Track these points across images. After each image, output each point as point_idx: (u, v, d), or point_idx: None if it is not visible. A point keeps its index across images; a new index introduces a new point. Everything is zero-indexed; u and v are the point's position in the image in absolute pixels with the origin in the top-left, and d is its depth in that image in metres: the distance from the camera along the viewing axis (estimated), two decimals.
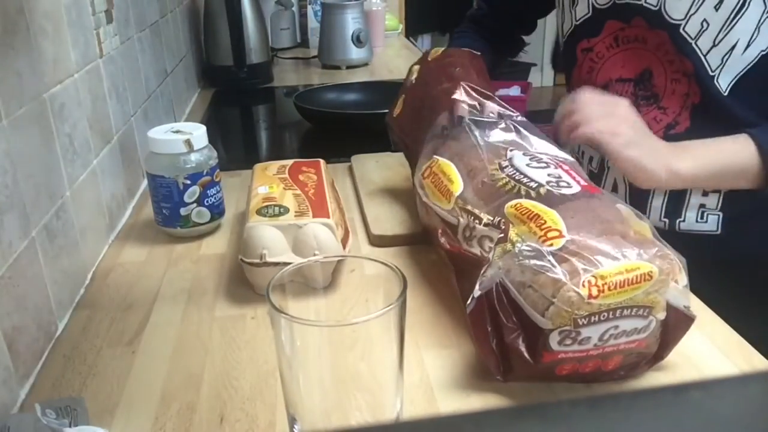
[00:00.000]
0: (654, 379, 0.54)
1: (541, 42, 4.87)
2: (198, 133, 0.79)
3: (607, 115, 0.70)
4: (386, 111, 1.19)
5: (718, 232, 0.79)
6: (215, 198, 0.81)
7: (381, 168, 0.99)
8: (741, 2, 0.70)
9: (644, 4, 0.76)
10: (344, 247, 0.69)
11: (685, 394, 0.22)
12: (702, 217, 0.80)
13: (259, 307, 0.67)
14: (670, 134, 0.79)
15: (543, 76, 4.95)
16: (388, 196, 0.89)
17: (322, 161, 0.85)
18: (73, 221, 0.70)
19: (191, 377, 0.57)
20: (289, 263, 0.66)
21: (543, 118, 1.11)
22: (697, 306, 0.65)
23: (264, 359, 0.59)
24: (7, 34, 0.58)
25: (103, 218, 0.80)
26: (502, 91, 3.63)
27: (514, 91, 4.00)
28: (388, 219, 0.82)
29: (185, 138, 0.77)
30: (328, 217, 0.68)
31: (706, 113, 0.77)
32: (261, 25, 1.65)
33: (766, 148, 0.69)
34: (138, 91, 1.01)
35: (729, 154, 0.71)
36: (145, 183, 0.97)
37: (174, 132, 0.79)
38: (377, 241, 0.79)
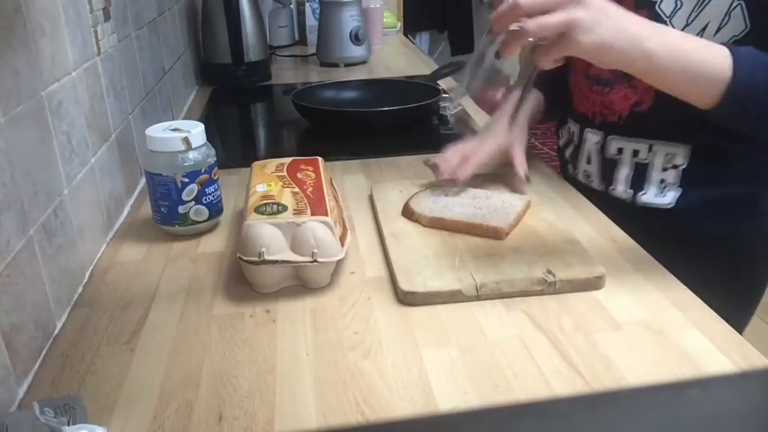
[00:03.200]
0: (652, 377, 0.54)
1: None
2: (196, 131, 0.79)
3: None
4: (384, 109, 1.19)
5: (672, 205, 0.82)
6: (213, 196, 0.81)
7: (406, 199, 0.84)
8: None
9: None
10: (342, 245, 0.69)
11: (684, 391, 0.22)
12: (662, 192, 0.82)
13: (258, 305, 0.67)
14: (635, 111, 0.82)
15: None
16: (419, 237, 0.76)
17: (320, 159, 0.85)
18: (71, 219, 0.70)
19: (190, 375, 0.57)
20: (288, 261, 0.66)
21: None
22: (695, 304, 0.65)
23: (263, 357, 0.59)
24: (4, 32, 0.58)
25: (101, 216, 0.80)
26: None
27: None
28: (421, 269, 0.69)
29: (183, 136, 0.77)
30: (327, 215, 0.68)
31: (668, 95, 0.76)
32: (259, 22, 1.65)
33: (740, 67, 0.64)
34: (136, 89, 1.01)
35: (703, 54, 0.65)
36: (143, 181, 0.97)
37: (172, 130, 0.79)
38: (408, 299, 0.66)
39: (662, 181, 0.82)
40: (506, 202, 0.81)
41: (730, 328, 0.61)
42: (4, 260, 0.54)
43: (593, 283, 0.67)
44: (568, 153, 0.96)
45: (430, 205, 0.81)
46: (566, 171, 0.98)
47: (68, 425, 0.46)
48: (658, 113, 0.80)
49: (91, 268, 0.75)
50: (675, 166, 0.81)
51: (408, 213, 0.81)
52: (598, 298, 0.66)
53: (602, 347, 0.58)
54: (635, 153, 0.83)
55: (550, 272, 0.67)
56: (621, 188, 0.86)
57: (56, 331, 0.63)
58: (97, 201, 0.79)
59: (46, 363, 0.59)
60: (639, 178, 0.84)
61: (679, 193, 0.81)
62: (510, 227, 0.76)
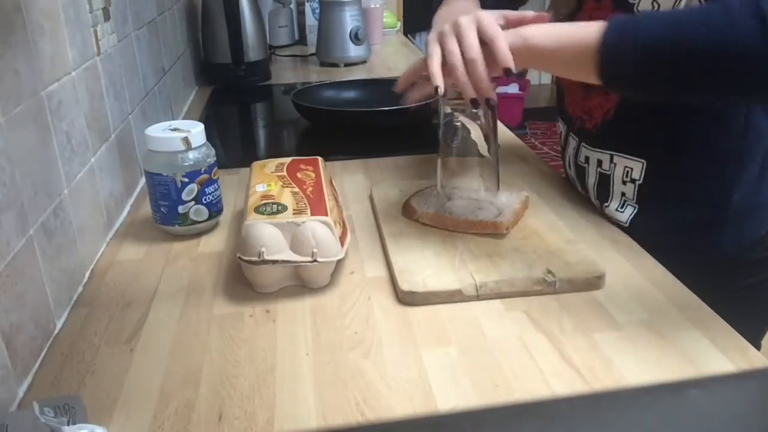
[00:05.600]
0: (652, 377, 0.54)
1: None
2: (196, 131, 0.79)
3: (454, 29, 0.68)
4: (384, 109, 1.19)
5: (627, 224, 0.80)
6: (213, 196, 0.81)
7: (406, 198, 0.85)
8: None
9: None
10: (342, 245, 0.69)
11: (684, 391, 0.22)
12: (622, 207, 0.81)
13: (258, 304, 0.67)
14: (605, 120, 0.80)
15: (541, 74, 4.95)
16: (419, 237, 0.76)
17: (320, 159, 0.85)
18: (71, 219, 0.70)
19: (189, 375, 0.57)
20: (288, 261, 0.66)
21: (541, 116, 1.11)
22: (695, 304, 0.65)
23: (262, 357, 0.59)
24: (4, 32, 0.58)
25: (101, 216, 0.80)
26: (500, 89, 3.64)
27: (513, 89, 4.01)
28: (421, 269, 0.69)
29: (183, 136, 0.77)
30: (326, 215, 0.68)
31: (627, 106, 0.78)
32: (259, 22, 1.65)
33: (607, 30, 0.61)
34: (136, 89, 1.01)
35: (578, 28, 0.64)
36: (143, 181, 0.97)
37: (172, 130, 0.79)
38: (408, 299, 0.67)
39: (623, 194, 0.81)
40: (505, 200, 0.81)
41: (730, 328, 0.61)
42: (3, 260, 0.54)
43: (593, 283, 0.67)
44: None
45: (430, 204, 0.81)
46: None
47: (68, 425, 0.46)
48: (617, 125, 0.79)
49: (91, 267, 0.75)
50: (633, 180, 0.79)
51: (408, 212, 0.81)
52: (597, 297, 0.66)
53: (602, 347, 0.58)
54: (599, 163, 0.83)
55: (549, 272, 0.67)
56: (592, 196, 0.86)
57: (56, 331, 0.63)
58: (96, 201, 0.79)
59: (46, 363, 0.59)
60: (604, 189, 0.83)
61: (635, 211, 0.80)
62: (510, 223, 0.76)
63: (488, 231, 0.76)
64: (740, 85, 0.57)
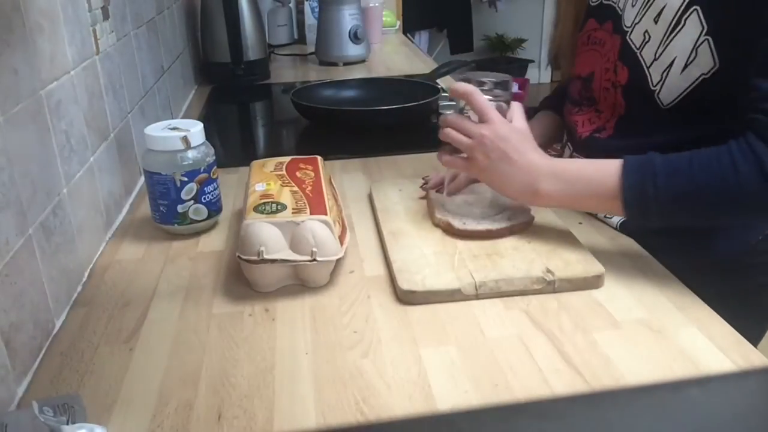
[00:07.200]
0: (651, 376, 0.54)
1: (538, 39, 4.87)
2: (195, 130, 0.79)
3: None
4: (384, 108, 1.19)
5: (617, 228, 0.80)
6: (212, 195, 0.81)
7: (405, 198, 0.86)
8: (677, 20, 0.69)
9: (617, 8, 0.78)
10: (341, 244, 0.69)
11: (683, 390, 0.22)
12: (610, 213, 0.81)
13: (257, 304, 0.67)
14: (594, 135, 0.82)
15: (540, 73, 4.96)
16: (418, 236, 0.76)
17: (319, 158, 0.85)
18: (70, 218, 0.70)
19: (189, 375, 0.57)
20: (287, 260, 0.66)
21: None
22: (695, 303, 0.65)
23: (262, 356, 0.59)
24: (3, 31, 0.58)
25: (100, 215, 0.80)
26: None
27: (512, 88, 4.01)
28: (421, 268, 0.69)
29: (182, 135, 0.77)
30: (326, 214, 0.68)
31: (630, 127, 0.78)
32: (258, 21, 1.65)
33: (628, 172, 0.66)
34: (135, 88, 1.01)
35: (593, 174, 0.69)
36: (142, 180, 0.97)
37: (171, 129, 0.79)
38: (407, 298, 0.66)
39: None
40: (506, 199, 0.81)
41: (730, 327, 0.61)
42: (3, 259, 0.54)
43: (592, 282, 0.67)
44: None
45: (456, 215, 0.78)
46: None
47: (67, 424, 0.46)
48: (614, 143, 0.79)
49: (90, 267, 0.75)
50: None
51: (441, 225, 0.78)
52: (597, 296, 0.66)
53: (601, 346, 0.58)
54: None
55: (549, 271, 0.67)
56: None
57: (55, 331, 0.63)
58: (96, 200, 0.79)
59: (45, 362, 0.59)
60: None
61: (622, 218, 0.79)
62: (532, 218, 0.78)
63: (521, 232, 0.76)
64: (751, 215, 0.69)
